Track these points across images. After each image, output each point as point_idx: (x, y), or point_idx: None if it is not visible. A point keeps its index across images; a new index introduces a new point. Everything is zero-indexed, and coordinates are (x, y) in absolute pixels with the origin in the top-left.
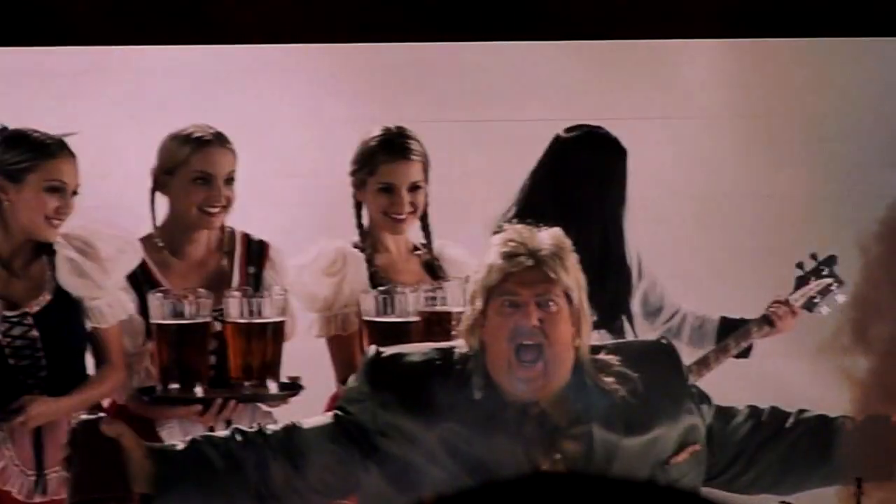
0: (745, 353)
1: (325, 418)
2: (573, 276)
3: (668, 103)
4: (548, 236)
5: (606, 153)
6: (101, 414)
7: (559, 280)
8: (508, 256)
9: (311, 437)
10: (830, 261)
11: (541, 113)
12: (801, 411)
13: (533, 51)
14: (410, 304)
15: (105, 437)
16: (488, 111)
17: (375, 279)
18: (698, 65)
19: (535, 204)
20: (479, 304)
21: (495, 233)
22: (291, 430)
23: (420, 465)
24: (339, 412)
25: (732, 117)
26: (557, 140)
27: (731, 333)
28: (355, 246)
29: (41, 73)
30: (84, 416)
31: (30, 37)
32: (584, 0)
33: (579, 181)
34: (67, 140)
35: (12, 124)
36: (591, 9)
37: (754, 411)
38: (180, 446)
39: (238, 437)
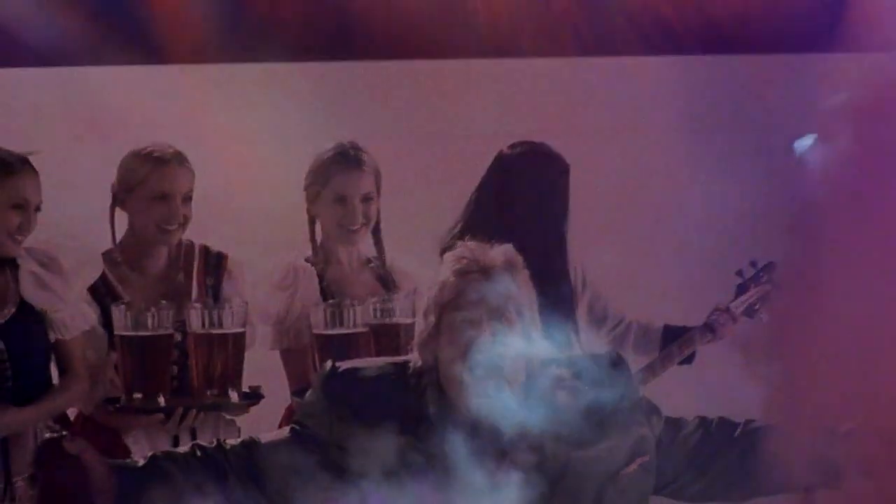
0: (688, 360)
1: (283, 433)
2: (525, 292)
3: (615, 119)
4: (500, 253)
5: (549, 168)
6: (64, 432)
7: (511, 296)
8: (461, 273)
9: (269, 451)
10: (769, 268)
11: (492, 129)
12: (749, 421)
13: (483, 68)
14: (359, 316)
15: (68, 454)
16: (440, 128)
17: (328, 293)
18: (643, 81)
19: (480, 218)
20: (432, 319)
21: (445, 248)
22: (250, 444)
23: (376, 478)
24: (296, 426)
25: (677, 132)
26: (501, 156)
27: (675, 341)
28: (307, 260)
29: (4, 93)
30: (48, 435)
31: None
32: (534, 20)
33: (522, 196)
34: (30, 158)
35: None
36: (542, 28)
37: (703, 422)
38: (141, 462)
39: (198, 453)
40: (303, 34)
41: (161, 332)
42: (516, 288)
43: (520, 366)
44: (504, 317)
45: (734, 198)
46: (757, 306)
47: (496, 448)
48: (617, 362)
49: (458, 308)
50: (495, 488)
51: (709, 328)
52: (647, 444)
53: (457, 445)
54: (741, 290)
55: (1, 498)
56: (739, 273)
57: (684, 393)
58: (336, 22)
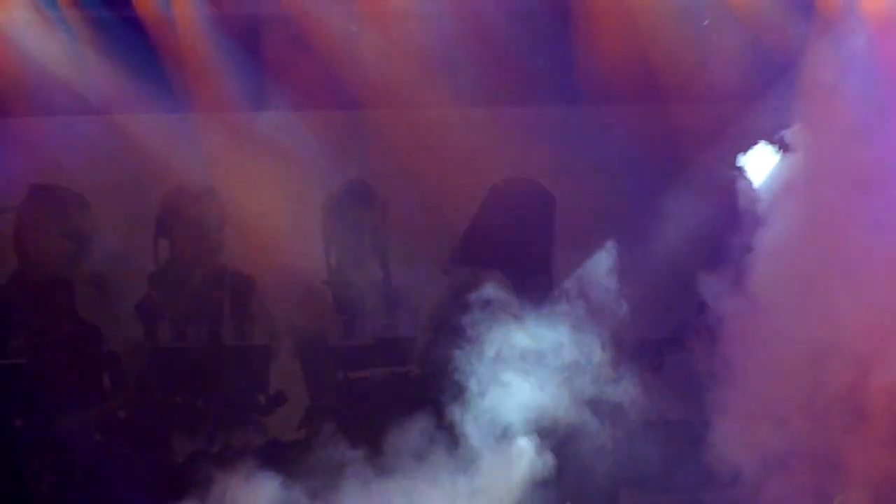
0: (657, 368)
1: (302, 434)
2: (511, 309)
3: (594, 157)
4: (489, 276)
5: (537, 200)
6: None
7: (501, 310)
8: (456, 293)
9: (290, 450)
10: (729, 287)
11: (485, 167)
12: (707, 422)
13: (476, 114)
14: (368, 330)
15: (117, 454)
16: (439, 166)
17: (340, 310)
18: (618, 125)
19: (475, 244)
20: (431, 333)
21: (444, 271)
22: (273, 445)
23: (385, 471)
24: (314, 427)
25: (645, 168)
26: (494, 189)
27: (647, 352)
28: (323, 282)
29: (61, 138)
30: (98, 438)
31: (52, 107)
32: (520, 74)
33: (513, 224)
34: (83, 194)
35: (40, 181)
36: (526, 80)
37: (667, 422)
38: (181, 460)
39: (229, 452)
40: (317, 87)
41: (198, 344)
42: (502, 305)
43: (508, 374)
44: (495, 328)
45: (699, 225)
46: (717, 321)
47: (489, 445)
48: (595, 369)
49: (453, 323)
50: (490, 475)
51: (676, 340)
52: (617, 442)
53: (455, 442)
54: (704, 307)
55: (58, 494)
56: (702, 293)
57: (651, 396)
58: (343, 76)
